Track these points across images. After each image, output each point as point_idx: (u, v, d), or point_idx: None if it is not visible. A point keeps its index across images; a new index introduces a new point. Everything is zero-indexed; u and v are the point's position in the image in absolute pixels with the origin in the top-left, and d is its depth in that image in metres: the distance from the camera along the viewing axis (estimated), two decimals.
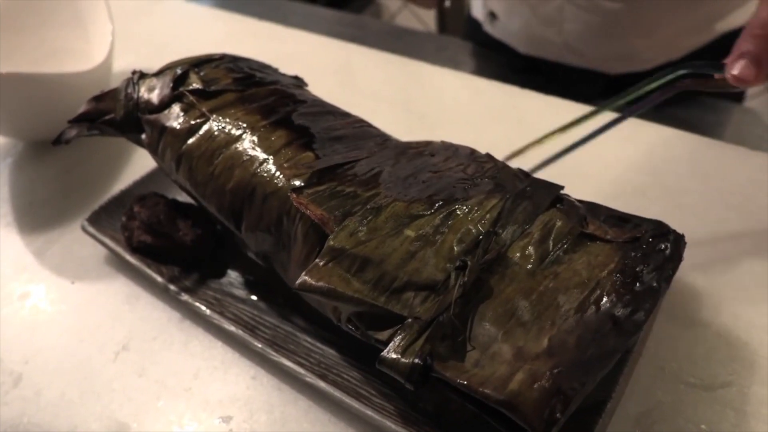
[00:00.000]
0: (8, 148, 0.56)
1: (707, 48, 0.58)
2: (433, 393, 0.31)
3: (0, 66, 0.52)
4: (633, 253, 0.29)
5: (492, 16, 0.65)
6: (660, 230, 0.30)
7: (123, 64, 0.59)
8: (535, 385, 0.24)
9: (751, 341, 0.34)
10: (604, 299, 0.27)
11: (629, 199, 0.44)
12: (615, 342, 0.26)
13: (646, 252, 0.29)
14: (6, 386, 0.37)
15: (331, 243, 0.29)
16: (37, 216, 0.49)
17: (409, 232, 0.30)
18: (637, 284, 0.28)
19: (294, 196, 0.31)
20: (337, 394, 0.32)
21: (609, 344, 0.26)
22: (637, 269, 0.29)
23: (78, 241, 0.45)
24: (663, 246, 0.30)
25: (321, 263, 0.29)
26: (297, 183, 0.32)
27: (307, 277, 0.29)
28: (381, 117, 0.42)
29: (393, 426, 0.30)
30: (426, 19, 1.59)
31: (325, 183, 0.32)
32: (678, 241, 0.30)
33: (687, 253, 0.32)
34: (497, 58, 0.66)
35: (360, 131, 0.37)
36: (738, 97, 0.65)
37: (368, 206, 0.31)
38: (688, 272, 0.38)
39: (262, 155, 0.33)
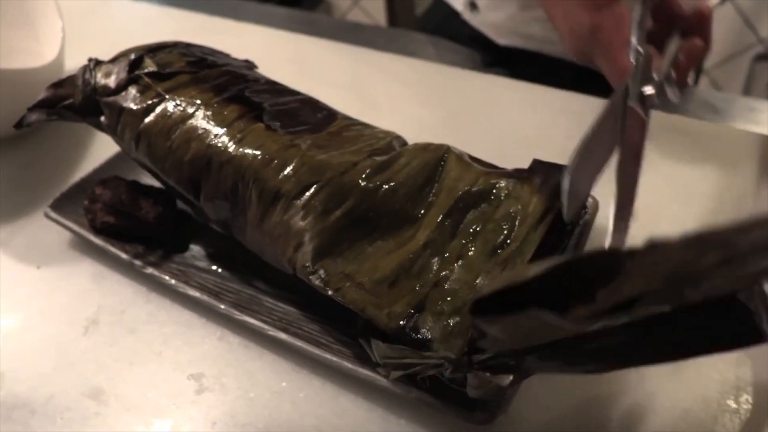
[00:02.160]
0: None
1: None
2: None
3: None
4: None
5: (473, 6, 0.67)
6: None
7: (74, 65, 0.60)
8: None
9: None
10: None
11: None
12: None
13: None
14: None
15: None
16: None
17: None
18: None
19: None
20: (299, 343, 0.35)
21: None
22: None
23: (41, 229, 0.46)
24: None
25: None
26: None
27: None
28: (331, 101, 0.45)
29: (351, 366, 0.33)
30: (376, 16, 1.63)
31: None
32: None
33: (610, 203, 0.36)
34: (450, 46, 0.69)
35: (308, 105, 0.40)
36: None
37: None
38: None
39: (216, 128, 0.36)
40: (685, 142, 0.49)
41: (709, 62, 1.35)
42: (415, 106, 0.56)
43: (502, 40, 0.65)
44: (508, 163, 0.38)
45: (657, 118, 0.51)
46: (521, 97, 0.56)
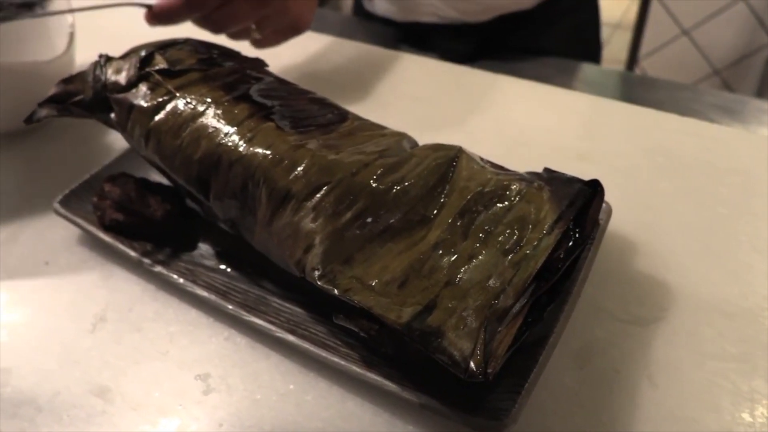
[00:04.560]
0: None
1: None
2: (392, 338, 0.34)
3: None
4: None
5: None
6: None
7: (84, 59, 0.60)
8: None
9: (678, 283, 0.38)
10: None
11: (571, 164, 0.47)
12: None
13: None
14: None
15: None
16: (6, 204, 0.50)
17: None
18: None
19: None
20: (305, 345, 0.35)
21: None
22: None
23: (50, 225, 0.46)
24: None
25: None
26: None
27: None
28: (337, 99, 0.45)
29: (358, 370, 0.33)
30: None
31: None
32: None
33: (622, 207, 0.35)
34: (373, 28, 0.74)
35: (319, 105, 0.39)
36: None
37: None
38: (623, 224, 0.41)
39: (226, 127, 0.36)
40: (698, 145, 0.49)
41: (722, 63, 1.34)
42: (421, 105, 0.56)
43: (399, 17, 0.71)
44: (513, 162, 0.37)
45: (668, 121, 0.51)
46: (525, 95, 0.56)
